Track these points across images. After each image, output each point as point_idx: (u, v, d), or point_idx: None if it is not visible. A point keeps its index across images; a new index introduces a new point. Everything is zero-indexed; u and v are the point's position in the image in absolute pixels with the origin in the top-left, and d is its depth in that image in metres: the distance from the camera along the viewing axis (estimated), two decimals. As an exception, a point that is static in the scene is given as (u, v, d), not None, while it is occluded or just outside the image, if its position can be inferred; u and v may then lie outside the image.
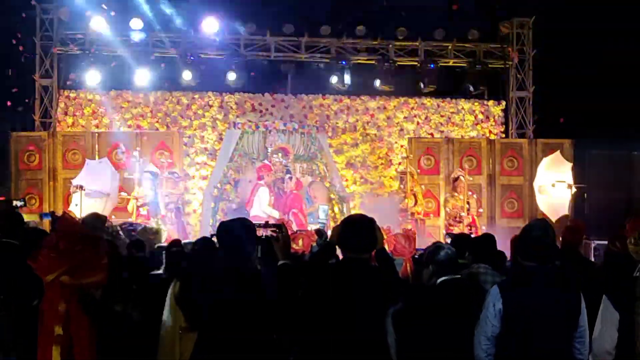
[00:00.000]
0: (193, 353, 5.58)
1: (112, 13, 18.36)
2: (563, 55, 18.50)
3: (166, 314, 7.14)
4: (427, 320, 6.37)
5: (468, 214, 17.02)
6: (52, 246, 3.54)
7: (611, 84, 17.56)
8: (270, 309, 5.53)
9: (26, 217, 13.00)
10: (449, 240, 10.43)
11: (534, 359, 5.47)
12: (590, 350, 5.58)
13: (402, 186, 18.30)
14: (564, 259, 7.55)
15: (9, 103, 17.88)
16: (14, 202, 14.82)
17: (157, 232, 10.78)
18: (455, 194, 17.44)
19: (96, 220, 9.44)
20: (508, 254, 9.92)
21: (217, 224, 15.29)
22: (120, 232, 12.43)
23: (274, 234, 6.16)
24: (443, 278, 6.52)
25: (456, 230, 16.39)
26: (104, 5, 18.18)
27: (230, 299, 5.44)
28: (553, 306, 5.50)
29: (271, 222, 8.24)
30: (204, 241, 8.19)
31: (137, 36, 18.56)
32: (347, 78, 18.99)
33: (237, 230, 5.72)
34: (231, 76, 18.74)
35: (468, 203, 17.13)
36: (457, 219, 16.98)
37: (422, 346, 6.35)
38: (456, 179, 17.57)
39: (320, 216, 17.56)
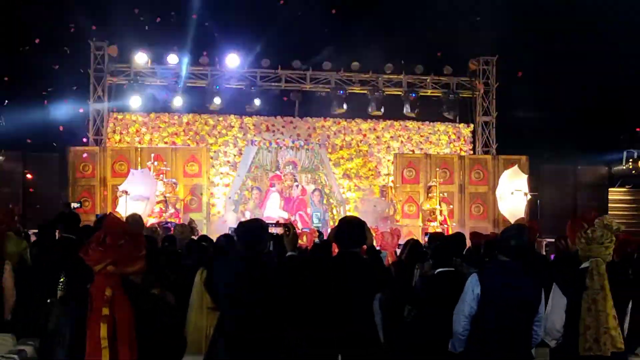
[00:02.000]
0: (213, 336, 5.54)
1: (152, 50, 18.53)
2: (520, 87, 18.52)
3: (194, 295, 7.12)
4: (428, 305, 6.44)
5: (441, 214, 17.03)
6: (100, 241, 3.55)
7: (560, 110, 17.57)
8: (280, 300, 5.48)
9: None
10: (427, 239, 10.43)
11: (502, 335, 5.47)
12: (544, 329, 5.56)
13: (383, 198, 18.38)
14: (531, 257, 7.52)
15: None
16: (72, 204, 14.82)
17: (190, 229, 10.72)
18: (430, 195, 17.46)
19: (138, 218, 9.44)
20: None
21: (237, 224, 15.26)
22: (158, 229, 12.40)
23: (285, 231, 6.14)
24: (440, 269, 6.62)
25: (432, 225, 16.44)
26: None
27: (244, 291, 5.41)
28: (520, 294, 5.51)
29: (281, 222, 8.25)
30: (225, 237, 8.17)
31: (172, 69, 18.66)
32: (344, 105, 19.10)
33: (253, 228, 5.69)
34: (254, 103, 18.81)
35: (440, 204, 17.14)
36: (432, 217, 16.98)
37: (424, 329, 6.41)
38: (430, 187, 17.62)
39: (314, 221, 17.59)
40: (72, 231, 8.37)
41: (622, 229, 5.54)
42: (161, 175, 16.80)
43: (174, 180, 17.17)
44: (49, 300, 7.20)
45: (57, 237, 8.78)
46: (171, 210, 16.69)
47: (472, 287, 5.55)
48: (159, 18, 17.75)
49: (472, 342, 5.61)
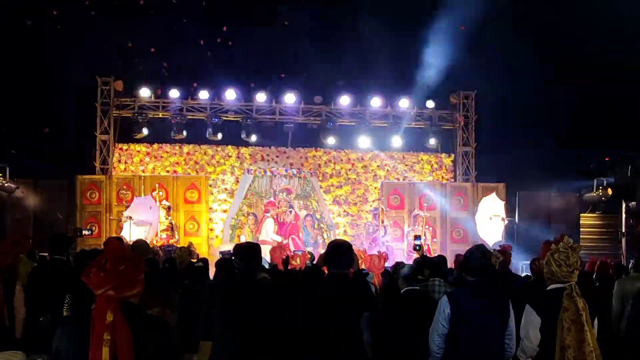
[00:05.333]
0: (211, 354, 5.51)
1: (156, 87, 18.65)
2: (497, 120, 18.62)
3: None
4: (396, 317, 6.44)
5: (425, 242, 17.01)
6: (101, 266, 3.52)
7: (535, 141, 17.63)
8: (275, 310, 5.47)
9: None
10: (417, 242, 10.58)
11: (476, 350, 5.45)
12: (519, 346, 5.51)
13: (375, 221, 18.32)
14: (496, 274, 7.50)
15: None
16: (83, 231, 14.78)
17: (190, 252, 10.69)
18: (416, 226, 17.48)
19: (144, 243, 9.40)
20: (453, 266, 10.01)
21: (234, 246, 15.19)
22: (160, 251, 12.38)
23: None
24: (406, 288, 6.62)
25: (415, 255, 16.39)
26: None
27: (245, 302, 5.40)
28: (488, 311, 5.51)
29: (274, 245, 8.28)
30: (224, 261, 8.14)
31: (174, 103, 18.72)
32: (334, 136, 19.10)
33: (249, 246, 5.78)
34: (248, 136, 18.79)
35: (425, 234, 17.13)
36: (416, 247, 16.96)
37: (393, 338, 6.40)
38: (416, 216, 17.65)
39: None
40: (62, 252, 8.31)
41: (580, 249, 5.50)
42: (163, 201, 16.77)
43: (167, 203, 17.14)
44: (41, 319, 7.15)
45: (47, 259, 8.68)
46: (177, 236, 16.68)
47: (443, 307, 5.57)
48: (165, 64, 17.82)
49: (449, 359, 5.60)
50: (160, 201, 16.79)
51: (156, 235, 16.15)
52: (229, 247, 16.71)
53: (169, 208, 16.99)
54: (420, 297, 6.61)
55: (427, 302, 6.55)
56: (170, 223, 16.68)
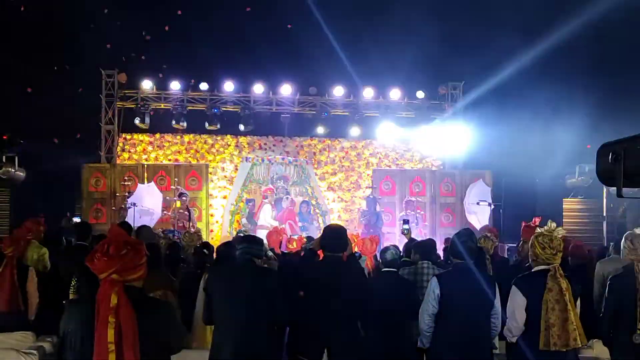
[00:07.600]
0: (213, 337, 5.55)
1: (160, 75, 18.60)
2: (484, 109, 18.61)
3: (199, 300, 7.07)
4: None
5: (418, 219, 17.07)
6: (104, 251, 3.52)
7: (519, 129, 17.62)
8: (276, 293, 5.51)
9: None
10: (405, 227, 10.62)
11: (464, 329, 5.52)
12: (506, 325, 5.55)
13: (368, 208, 18.23)
14: (483, 256, 7.53)
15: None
16: (74, 218, 14.83)
17: (198, 237, 10.69)
18: (409, 211, 17.47)
19: (149, 230, 9.42)
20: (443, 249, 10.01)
21: (234, 231, 15.12)
22: (162, 236, 12.37)
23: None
24: (385, 269, 6.80)
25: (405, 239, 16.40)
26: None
27: (246, 282, 5.48)
28: (475, 291, 5.57)
29: (271, 230, 8.33)
30: (225, 245, 8.13)
31: (175, 94, 18.69)
32: (327, 126, 19.10)
33: (253, 237, 5.89)
34: (243, 125, 18.77)
35: (417, 218, 17.15)
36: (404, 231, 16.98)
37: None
38: (408, 202, 17.67)
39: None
40: (85, 239, 8.43)
41: (563, 233, 5.54)
42: (183, 197, 16.43)
43: (183, 191, 16.93)
44: (64, 302, 7.18)
45: (72, 245, 8.79)
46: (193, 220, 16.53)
47: (433, 288, 5.68)
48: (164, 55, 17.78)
49: (438, 337, 5.67)
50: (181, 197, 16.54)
51: (176, 223, 16.04)
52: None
53: (180, 195, 16.59)
54: (396, 277, 6.80)
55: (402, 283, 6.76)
56: (188, 211, 16.37)
